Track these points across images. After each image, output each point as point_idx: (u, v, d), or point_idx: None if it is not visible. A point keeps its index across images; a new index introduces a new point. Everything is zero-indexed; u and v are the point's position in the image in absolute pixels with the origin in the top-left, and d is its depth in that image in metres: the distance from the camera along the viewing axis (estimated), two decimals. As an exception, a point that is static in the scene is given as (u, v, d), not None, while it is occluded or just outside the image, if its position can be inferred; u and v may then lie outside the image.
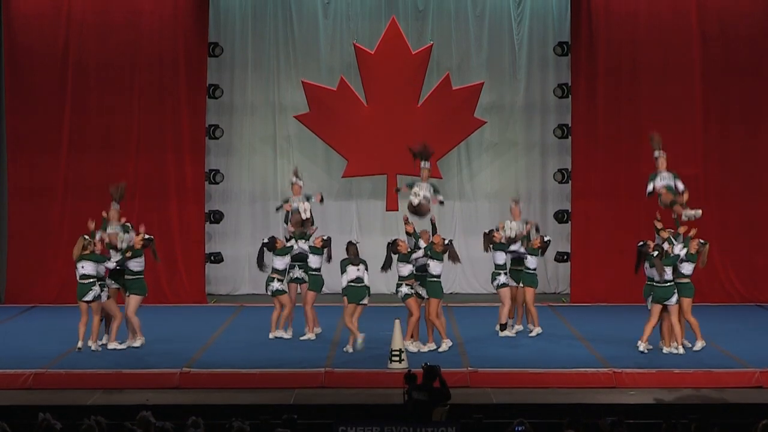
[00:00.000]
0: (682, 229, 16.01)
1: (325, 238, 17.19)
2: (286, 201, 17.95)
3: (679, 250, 15.74)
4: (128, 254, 16.11)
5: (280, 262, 17.02)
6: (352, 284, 16.04)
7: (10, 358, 15.42)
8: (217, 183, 21.62)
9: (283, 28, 21.86)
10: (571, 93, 21.24)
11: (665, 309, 15.69)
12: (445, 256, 16.26)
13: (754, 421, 10.34)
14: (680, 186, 16.60)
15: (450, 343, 16.10)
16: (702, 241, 15.96)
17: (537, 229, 17.59)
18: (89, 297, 15.82)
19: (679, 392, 14.10)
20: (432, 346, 16.15)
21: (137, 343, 16.25)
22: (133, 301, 16.23)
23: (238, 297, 21.69)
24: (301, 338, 17.04)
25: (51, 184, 20.99)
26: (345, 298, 16.13)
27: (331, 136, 21.17)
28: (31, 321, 19.28)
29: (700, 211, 16.05)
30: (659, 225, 16.29)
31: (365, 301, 16.05)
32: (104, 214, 16.58)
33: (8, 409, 13.04)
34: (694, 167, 21.03)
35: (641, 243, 15.95)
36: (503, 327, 17.12)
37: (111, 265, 16.05)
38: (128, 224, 16.74)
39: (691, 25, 21.00)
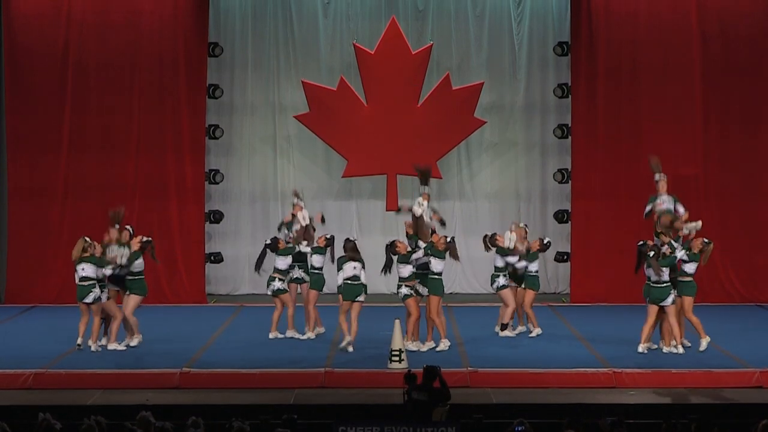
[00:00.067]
0: (683, 232, 15.99)
1: (328, 237, 17.19)
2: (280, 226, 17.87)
3: (680, 254, 15.73)
4: (125, 261, 16.10)
5: (282, 262, 17.02)
6: (348, 282, 16.05)
7: (10, 358, 15.41)
8: (217, 183, 21.62)
9: (283, 28, 21.86)
10: (571, 93, 21.24)
11: (663, 309, 15.68)
12: (446, 254, 16.25)
13: (754, 421, 10.34)
14: (680, 210, 16.53)
15: (448, 344, 16.09)
16: (706, 240, 15.96)
17: (543, 248, 17.49)
18: (89, 299, 15.82)
19: (679, 392, 14.09)
20: (431, 344, 16.15)
21: (134, 342, 16.25)
22: (133, 300, 16.23)
23: (238, 297, 21.69)
24: (302, 337, 17.04)
25: (51, 184, 20.99)
26: (340, 295, 16.14)
27: (331, 136, 21.17)
28: (31, 321, 19.28)
29: (699, 223, 16.02)
30: (660, 228, 16.26)
31: (361, 299, 16.04)
32: (105, 238, 16.44)
33: (8, 409, 13.04)
34: (694, 167, 21.05)
35: (641, 243, 15.95)
36: (504, 327, 17.11)
37: (108, 271, 16.03)
38: (129, 227, 16.70)
39: (691, 25, 21.00)
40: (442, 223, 17.13)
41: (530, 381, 14.47)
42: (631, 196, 20.86)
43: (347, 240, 16.47)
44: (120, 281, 16.29)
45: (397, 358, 14.90)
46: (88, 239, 16.09)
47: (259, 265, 17.34)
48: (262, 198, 22.05)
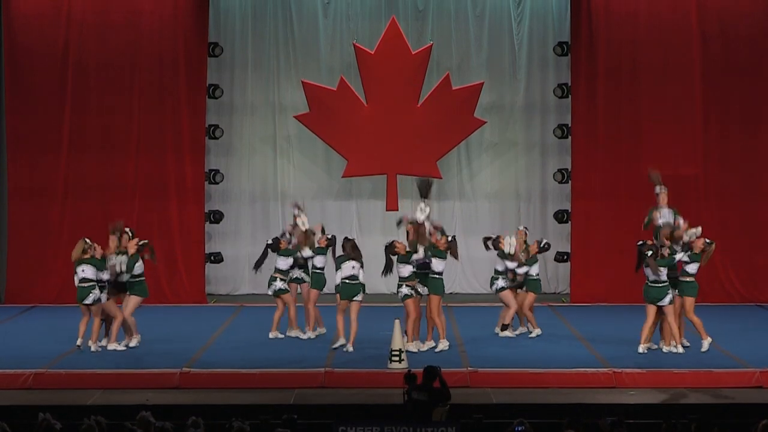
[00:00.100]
0: (684, 239, 15.95)
1: (329, 237, 17.16)
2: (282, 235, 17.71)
3: (679, 256, 15.72)
4: (124, 272, 16.08)
5: (283, 262, 17.02)
6: (346, 281, 16.05)
7: (10, 358, 15.41)
8: (217, 183, 21.62)
9: (283, 28, 21.86)
10: (571, 93, 21.24)
11: (661, 309, 15.68)
12: (447, 253, 16.25)
13: (754, 421, 10.35)
14: (680, 222, 16.45)
15: (447, 344, 16.06)
16: (708, 240, 15.94)
17: (541, 250, 17.45)
18: (89, 300, 15.82)
19: (679, 392, 14.09)
20: (431, 344, 16.15)
21: (133, 343, 16.25)
22: (133, 301, 16.22)
23: (238, 297, 21.69)
24: (303, 337, 17.04)
25: (51, 184, 20.99)
26: (337, 295, 16.15)
27: (331, 136, 21.17)
28: (31, 321, 19.28)
29: (699, 228, 15.97)
30: (660, 242, 16.21)
31: (359, 298, 16.04)
32: (107, 250, 16.37)
33: (8, 409, 13.04)
34: (694, 167, 21.06)
35: (641, 242, 15.95)
36: (505, 327, 17.11)
37: (105, 276, 16.01)
38: (128, 229, 16.68)
39: (691, 25, 21.01)
40: (443, 233, 16.93)
41: (530, 381, 14.46)
42: (631, 196, 20.88)
43: (346, 239, 16.47)
44: (122, 287, 16.27)
45: (397, 358, 14.90)
46: (88, 240, 16.08)
47: (259, 264, 17.34)
48: (262, 198, 22.06)
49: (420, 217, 16.39)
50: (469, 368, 14.73)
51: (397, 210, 21.30)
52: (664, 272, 15.59)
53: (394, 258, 16.09)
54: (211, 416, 11.56)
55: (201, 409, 12.59)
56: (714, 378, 14.50)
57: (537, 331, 17.16)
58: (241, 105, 21.92)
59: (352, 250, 16.19)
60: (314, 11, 21.87)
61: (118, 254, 16.14)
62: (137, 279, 16.20)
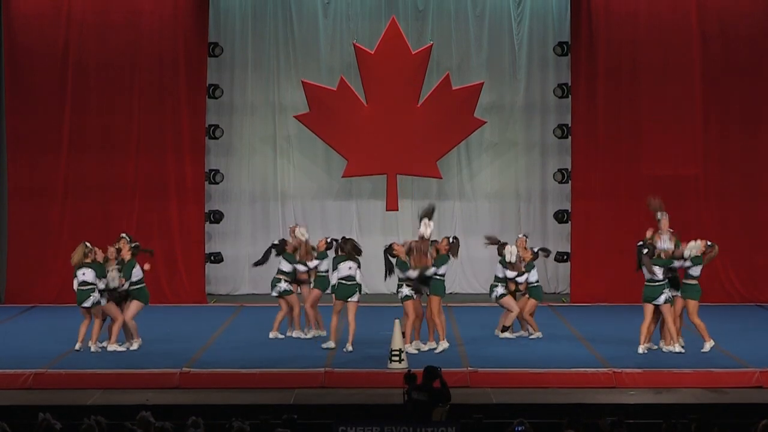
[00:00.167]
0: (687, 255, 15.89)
1: (328, 240, 17.12)
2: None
3: (678, 264, 15.70)
4: (123, 281, 16.03)
5: (287, 264, 16.99)
6: (342, 282, 16.05)
7: (10, 358, 15.41)
8: (217, 183, 21.62)
9: (283, 28, 21.87)
10: (571, 93, 21.24)
11: (658, 308, 15.69)
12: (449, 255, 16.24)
13: (754, 421, 10.34)
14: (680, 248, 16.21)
15: (447, 345, 16.03)
16: (709, 243, 15.92)
17: (537, 255, 17.40)
18: (88, 303, 15.81)
19: (679, 392, 14.09)
20: (432, 344, 16.14)
21: (134, 346, 16.22)
22: (134, 306, 16.17)
23: (238, 297, 21.70)
24: (305, 337, 17.02)
25: (51, 184, 21.00)
26: (333, 295, 16.15)
27: (331, 136, 21.16)
28: (31, 321, 19.28)
29: (699, 242, 15.88)
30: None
31: (354, 299, 16.03)
32: (107, 252, 16.34)
33: (8, 409, 13.04)
34: (694, 167, 21.06)
35: (641, 242, 15.95)
36: (505, 329, 17.09)
37: (102, 286, 15.96)
38: (125, 234, 16.67)
39: (691, 25, 21.01)
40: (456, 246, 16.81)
41: (530, 381, 14.46)
42: (631, 196, 20.89)
43: (344, 239, 16.44)
44: (123, 296, 16.24)
45: (397, 358, 14.90)
46: (88, 245, 16.04)
47: (260, 263, 17.34)
48: (262, 198, 22.06)
49: (426, 232, 16.20)
50: (469, 368, 14.73)
51: (397, 210, 21.32)
52: (660, 272, 15.59)
53: (393, 260, 16.05)
54: (211, 416, 11.56)
55: (201, 409, 12.59)
56: (714, 378, 14.50)
57: (537, 334, 17.13)
58: (241, 105, 21.92)
59: (353, 250, 16.18)
60: (314, 11, 21.87)
61: (116, 265, 16.04)
62: (137, 285, 16.14)
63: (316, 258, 17.01)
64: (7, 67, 20.97)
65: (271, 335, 17.04)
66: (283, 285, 16.92)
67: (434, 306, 16.01)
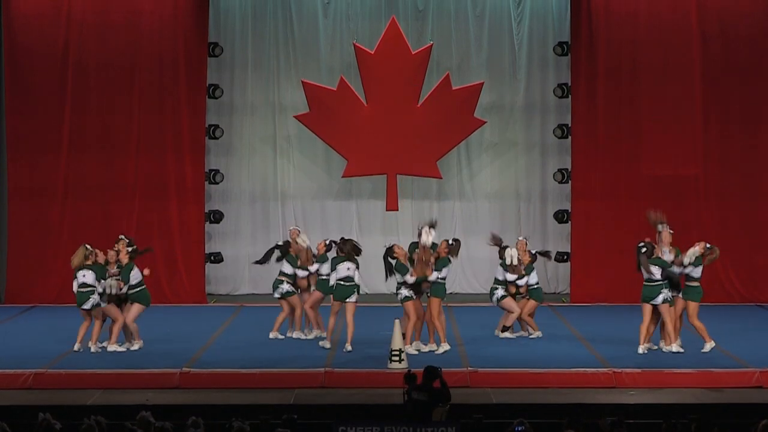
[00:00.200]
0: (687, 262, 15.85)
1: (327, 243, 17.09)
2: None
3: (678, 271, 15.69)
4: (122, 285, 16.01)
5: (289, 267, 16.97)
6: (341, 282, 16.04)
7: (10, 358, 15.41)
8: (217, 183, 21.62)
9: (283, 28, 21.87)
10: (571, 93, 21.24)
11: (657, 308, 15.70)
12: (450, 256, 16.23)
13: (754, 421, 10.34)
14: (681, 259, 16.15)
15: (448, 348, 16.01)
16: (708, 245, 15.90)
17: (536, 257, 17.37)
18: (87, 306, 15.79)
19: (679, 392, 14.09)
20: (433, 346, 16.12)
21: (135, 347, 16.21)
22: (135, 309, 16.14)
23: (238, 297, 21.69)
24: (307, 337, 17.01)
25: (51, 184, 21.00)
26: (331, 296, 16.14)
27: (331, 136, 21.15)
28: (31, 321, 19.29)
29: (697, 247, 15.87)
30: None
31: (352, 300, 16.02)
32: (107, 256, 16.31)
33: (8, 409, 13.04)
34: (694, 167, 21.06)
35: (641, 243, 15.95)
36: (505, 329, 17.10)
37: (101, 288, 15.94)
38: (123, 236, 16.66)
39: (691, 25, 21.01)
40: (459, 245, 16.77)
41: (530, 381, 14.46)
42: (631, 196, 20.90)
43: (343, 239, 16.40)
44: (123, 298, 16.24)
45: (397, 358, 14.90)
46: (89, 247, 16.02)
47: (261, 262, 17.33)
48: (262, 198, 22.06)
49: (428, 240, 16.12)
50: (469, 368, 14.73)
51: (397, 210, 21.31)
52: (657, 271, 15.58)
53: (393, 262, 16.03)
54: (211, 416, 11.56)
55: (201, 409, 12.58)
56: (714, 378, 14.49)
57: (537, 334, 17.14)
58: (241, 105, 21.92)
59: (353, 250, 16.17)
60: (314, 11, 21.87)
61: (116, 268, 16.03)
62: (137, 288, 16.11)
63: (316, 261, 16.99)
64: (7, 67, 20.97)
65: (271, 335, 17.04)
66: (285, 287, 16.90)
67: (434, 308, 16.00)
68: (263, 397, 13.84)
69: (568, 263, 21.44)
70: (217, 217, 21.57)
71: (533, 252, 17.28)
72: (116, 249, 16.26)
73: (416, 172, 21.27)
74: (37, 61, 20.93)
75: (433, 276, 15.89)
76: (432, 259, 15.94)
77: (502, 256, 16.98)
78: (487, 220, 21.93)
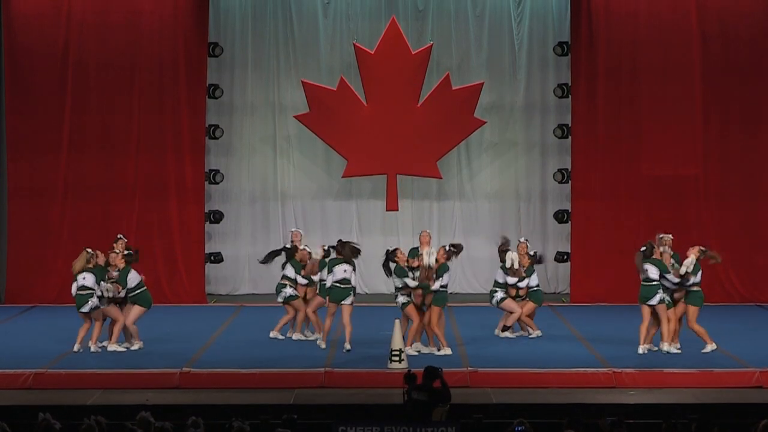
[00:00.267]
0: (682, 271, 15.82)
1: (326, 248, 17.03)
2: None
3: (672, 279, 15.68)
4: (120, 288, 15.99)
5: (291, 270, 16.95)
6: (337, 284, 16.02)
7: (10, 358, 15.41)
8: (217, 183, 21.62)
9: (283, 28, 21.86)
10: (571, 93, 21.24)
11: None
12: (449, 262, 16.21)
13: (754, 421, 10.34)
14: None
15: (449, 352, 15.96)
16: (702, 248, 15.89)
17: (536, 260, 17.34)
18: (86, 309, 15.77)
19: (679, 392, 14.09)
20: (433, 349, 16.09)
21: (135, 347, 16.20)
22: (136, 311, 16.12)
23: (238, 297, 21.69)
24: (309, 338, 17.00)
25: (51, 184, 21.00)
26: (327, 297, 16.14)
27: (331, 136, 21.15)
28: (31, 321, 19.29)
29: (692, 256, 15.85)
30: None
31: (348, 302, 15.99)
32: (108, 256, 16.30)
33: (8, 409, 13.04)
34: (694, 167, 21.06)
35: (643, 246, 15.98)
36: (506, 329, 17.09)
37: (99, 292, 15.93)
38: (121, 235, 16.67)
39: (691, 25, 21.01)
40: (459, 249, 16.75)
41: (530, 381, 14.46)
42: (631, 196, 20.91)
43: (343, 242, 16.36)
44: (122, 300, 16.24)
45: (397, 358, 14.89)
46: (90, 250, 16.01)
47: (268, 260, 17.30)
48: (262, 198, 22.05)
49: (430, 260, 16.02)
50: (469, 368, 14.72)
51: (397, 210, 21.29)
52: (654, 272, 15.56)
53: (393, 265, 16.00)
54: (211, 416, 11.56)
55: (201, 409, 12.58)
56: (714, 378, 14.50)
57: (537, 333, 17.15)
58: (241, 105, 21.91)
59: (352, 253, 16.15)
60: (314, 11, 21.86)
61: (113, 275, 16.01)
62: (138, 291, 16.09)
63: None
64: (7, 67, 20.97)
65: (272, 334, 17.03)
66: (288, 291, 16.87)
67: (434, 315, 15.96)
68: (263, 397, 13.83)
69: (568, 263, 21.43)
70: (217, 217, 21.57)
71: (531, 253, 17.26)
72: (116, 250, 16.26)
73: (416, 172, 21.27)
74: (37, 61, 20.93)
75: (436, 285, 15.88)
76: (434, 276, 15.90)
77: (502, 259, 16.98)
78: (487, 220, 21.94)
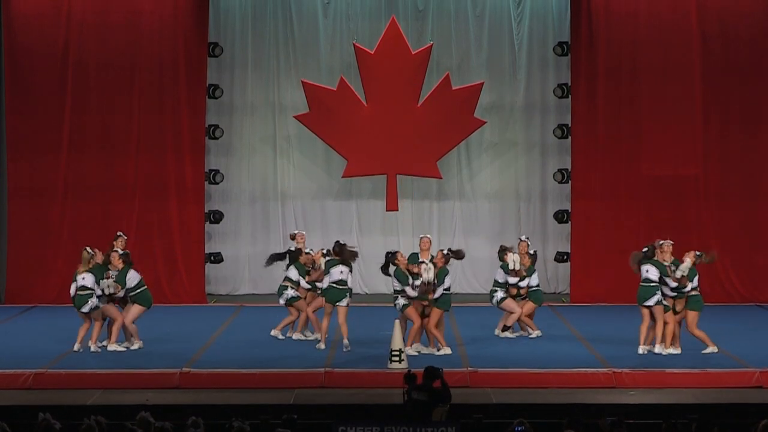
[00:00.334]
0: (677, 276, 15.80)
1: (324, 252, 17.01)
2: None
3: (671, 285, 15.68)
4: (119, 288, 15.98)
5: (295, 273, 16.94)
6: (333, 285, 16.02)
7: (10, 358, 15.41)
8: (217, 183, 21.62)
9: (283, 28, 21.86)
10: (571, 93, 21.24)
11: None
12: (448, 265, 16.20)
13: (754, 421, 10.34)
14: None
15: (449, 352, 15.95)
16: (698, 252, 15.88)
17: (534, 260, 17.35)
18: (86, 309, 15.77)
19: (679, 392, 14.09)
20: (433, 349, 16.08)
21: (135, 346, 16.20)
22: (135, 310, 16.12)
23: (238, 297, 21.69)
24: (309, 338, 17.00)
25: (51, 184, 21.00)
26: (323, 298, 16.13)
27: (331, 136, 21.14)
28: (31, 321, 19.28)
29: (688, 260, 15.82)
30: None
31: (343, 303, 15.99)
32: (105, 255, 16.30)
33: (8, 409, 13.04)
34: (694, 167, 21.06)
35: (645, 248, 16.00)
36: (506, 328, 17.09)
37: (99, 292, 15.92)
38: (121, 233, 16.68)
39: (691, 25, 21.01)
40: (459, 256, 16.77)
41: (530, 381, 14.46)
42: (631, 196, 20.91)
43: (341, 245, 16.35)
44: (122, 299, 16.24)
45: (397, 358, 14.89)
46: (89, 250, 16.01)
47: (271, 262, 17.29)
48: (262, 198, 22.05)
49: (430, 276, 15.98)
50: (469, 368, 14.72)
51: (397, 210, 21.28)
52: (654, 273, 15.55)
53: (393, 268, 16.00)
54: (211, 416, 11.55)
55: (201, 409, 12.58)
56: (714, 378, 14.50)
57: (537, 333, 17.15)
58: (241, 105, 21.91)
59: (350, 257, 16.14)
60: (314, 11, 21.86)
61: (112, 274, 16.01)
62: (138, 290, 16.09)
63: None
64: (7, 67, 20.97)
65: (272, 333, 17.02)
66: (290, 292, 16.85)
67: (435, 317, 15.96)
68: (263, 397, 13.83)
69: (568, 263, 21.43)
70: (217, 217, 21.57)
71: (532, 252, 17.27)
72: (116, 248, 16.27)
73: (416, 172, 21.26)
74: (37, 61, 20.93)
75: (438, 292, 15.87)
76: (433, 289, 15.89)
77: (502, 259, 16.97)
78: (487, 220, 21.94)
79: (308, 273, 16.89)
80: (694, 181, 21.12)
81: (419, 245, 16.56)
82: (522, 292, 16.97)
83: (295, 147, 21.98)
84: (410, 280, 15.82)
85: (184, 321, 19.14)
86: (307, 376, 14.54)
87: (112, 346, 16.07)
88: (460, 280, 21.79)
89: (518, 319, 17.05)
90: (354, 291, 17.37)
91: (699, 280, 15.82)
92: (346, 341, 15.97)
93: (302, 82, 21.13)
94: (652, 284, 15.60)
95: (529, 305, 17.07)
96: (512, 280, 16.84)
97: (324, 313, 16.23)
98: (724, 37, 21.05)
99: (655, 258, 15.70)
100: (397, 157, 20.95)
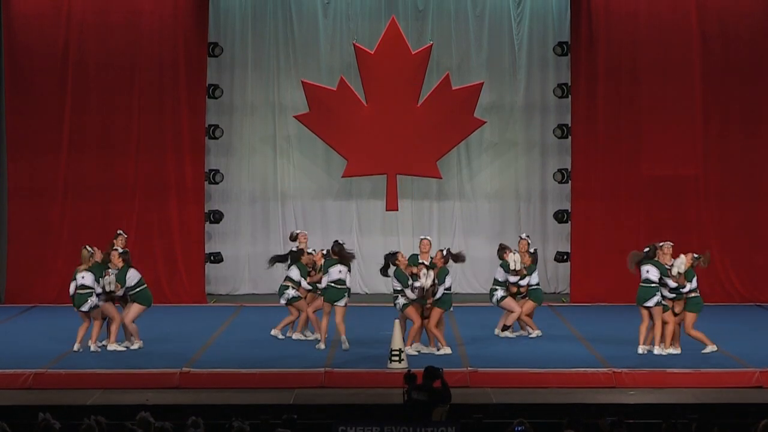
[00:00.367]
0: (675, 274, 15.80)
1: (324, 252, 17.01)
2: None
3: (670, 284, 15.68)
4: (119, 287, 15.97)
5: (297, 273, 16.94)
6: (332, 285, 16.02)
7: (10, 358, 15.41)
8: (217, 183, 21.62)
9: (283, 28, 21.86)
10: (571, 93, 21.24)
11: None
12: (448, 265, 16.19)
13: (754, 421, 10.34)
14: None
15: (449, 351, 15.96)
16: (696, 255, 15.89)
17: (535, 259, 17.35)
18: (86, 308, 15.77)
19: (679, 392, 14.09)
20: (433, 349, 16.08)
21: (135, 346, 16.20)
22: (135, 309, 16.11)
23: (238, 297, 21.69)
24: (309, 338, 17.00)
25: (51, 184, 21.00)
26: (321, 298, 16.13)
27: (331, 136, 21.14)
28: (31, 321, 19.28)
29: (684, 259, 15.80)
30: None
31: (341, 303, 15.99)
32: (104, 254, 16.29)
33: (8, 409, 13.04)
34: (694, 167, 21.06)
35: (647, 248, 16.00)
36: (506, 328, 17.10)
37: (99, 290, 15.91)
38: (121, 231, 16.69)
39: (691, 25, 21.01)
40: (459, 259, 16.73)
41: (530, 381, 14.46)
42: (631, 196, 20.90)
43: (336, 243, 16.36)
44: (122, 298, 16.23)
45: (397, 358, 14.89)
46: (89, 248, 16.01)
47: (274, 263, 17.29)
48: (262, 198, 22.05)
49: (428, 282, 15.98)
50: (469, 368, 14.73)
51: (397, 210, 21.28)
52: (654, 274, 15.55)
53: (393, 269, 16.00)
54: (211, 416, 11.56)
55: (201, 409, 12.58)
56: (714, 378, 14.50)
57: (537, 332, 17.15)
58: (241, 105, 21.91)
59: (348, 257, 16.14)
60: (314, 11, 21.86)
61: (112, 272, 16.01)
62: (138, 288, 16.09)
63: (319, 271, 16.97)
64: (7, 67, 20.97)
65: (273, 332, 17.03)
66: (291, 292, 16.85)
67: (435, 317, 15.97)
68: (263, 397, 13.83)
69: (568, 263, 21.43)
70: (217, 217, 21.56)
71: (532, 250, 17.27)
72: (116, 246, 16.27)
73: (416, 172, 21.26)
74: (37, 61, 20.93)
75: (439, 291, 15.88)
76: (433, 294, 15.89)
77: (501, 257, 16.98)
78: (487, 220, 21.94)
79: (309, 274, 16.89)
80: (694, 181, 21.12)
81: (419, 247, 16.56)
82: (522, 290, 16.98)
83: (295, 147, 21.98)
84: (410, 282, 15.82)
85: (184, 321, 19.14)
86: (307, 376, 14.55)
87: (112, 346, 16.07)
88: (460, 280, 21.79)
89: (519, 318, 17.05)
90: (354, 291, 17.41)
91: (698, 280, 15.82)
92: (344, 338, 15.97)
93: (302, 82, 21.13)
94: (652, 285, 15.60)
95: (529, 304, 17.07)
96: (513, 278, 16.84)
97: (323, 312, 16.24)
98: (724, 37, 21.05)
99: (656, 259, 15.70)
100: (397, 157, 20.95)
